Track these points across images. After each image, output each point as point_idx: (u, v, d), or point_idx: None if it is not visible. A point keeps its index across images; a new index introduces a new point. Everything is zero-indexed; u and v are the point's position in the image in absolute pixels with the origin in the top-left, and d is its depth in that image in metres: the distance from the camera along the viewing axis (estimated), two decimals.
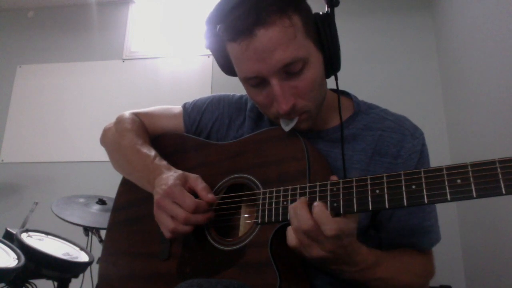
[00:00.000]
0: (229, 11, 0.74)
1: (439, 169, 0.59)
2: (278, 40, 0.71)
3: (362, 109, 0.91)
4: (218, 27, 0.77)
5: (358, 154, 0.85)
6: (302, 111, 0.79)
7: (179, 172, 0.81)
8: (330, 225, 0.63)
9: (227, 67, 0.83)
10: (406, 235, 0.84)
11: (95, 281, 0.99)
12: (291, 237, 0.67)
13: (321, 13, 0.79)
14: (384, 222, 0.84)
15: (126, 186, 1.03)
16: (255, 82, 0.77)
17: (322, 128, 0.89)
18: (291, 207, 0.67)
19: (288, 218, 0.69)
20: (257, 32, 0.71)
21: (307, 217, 0.64)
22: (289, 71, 0.74)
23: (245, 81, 0.79)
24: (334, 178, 0.69)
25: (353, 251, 0.68)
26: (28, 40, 3.17)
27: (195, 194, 0.78)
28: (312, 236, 0.64)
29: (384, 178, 0.63)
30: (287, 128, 0.79)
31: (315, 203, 0.65)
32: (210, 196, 0.79)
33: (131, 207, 1.00)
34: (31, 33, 3.18)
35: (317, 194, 0.69)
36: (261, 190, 0.77)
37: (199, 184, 0.80)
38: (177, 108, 1.05)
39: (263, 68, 0.73)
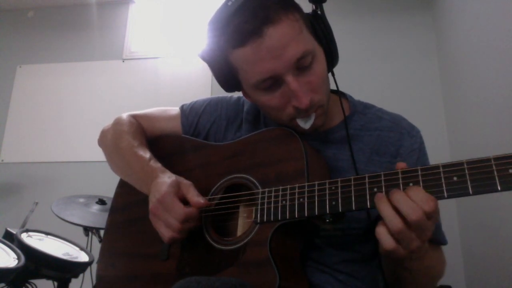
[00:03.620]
0: (229, 20, 0.74)
1: (436, 167, 0.60)
2: (289, 35, 0.73)
3: (358, 109, 0.92)
4: (219, 39, 0.77)
5: (356, 155, 0.85)
6: (318, 106, 0.80)
7: (173, 177, 0.81)
8: (429, 199, 0.58)
9: (230, 79, 0.83)
10: None
11: (95, 281, 0.98)
12: (388, 241, 0.60)
13: (311, 11, 0.81)
14: None
15: (123, 187, 1.03)
16: (269, 83, 0.77)
17: (322, 129, 0.89)
18: (385, 205, 0.60)
19: (378, 217, 0.63)
20: (267, 31, 0.72)
21: (413, 206, 0.57)
22: (301, 65, 0.75)
23: (257, 86, 0.78)
24: (402, 165, 0.63)
25: None
26: (28, 40, 3.16)
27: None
28: (419, 225, 0.58)
29: (382, 176, 0.64)
30: (306, 125, 0.80)
31: (406, 187, 0.60)
32: (202, 201, 0.78)
33: (129, 208, 1.00)
34: (31, 33, 3.18)
35: (316, 193, 0.69)
36: (260, 190, 0.77)
37: (190, 192, 0.79)
38: (175, 109, 1.05)
39: (278, 65, 0.74)
